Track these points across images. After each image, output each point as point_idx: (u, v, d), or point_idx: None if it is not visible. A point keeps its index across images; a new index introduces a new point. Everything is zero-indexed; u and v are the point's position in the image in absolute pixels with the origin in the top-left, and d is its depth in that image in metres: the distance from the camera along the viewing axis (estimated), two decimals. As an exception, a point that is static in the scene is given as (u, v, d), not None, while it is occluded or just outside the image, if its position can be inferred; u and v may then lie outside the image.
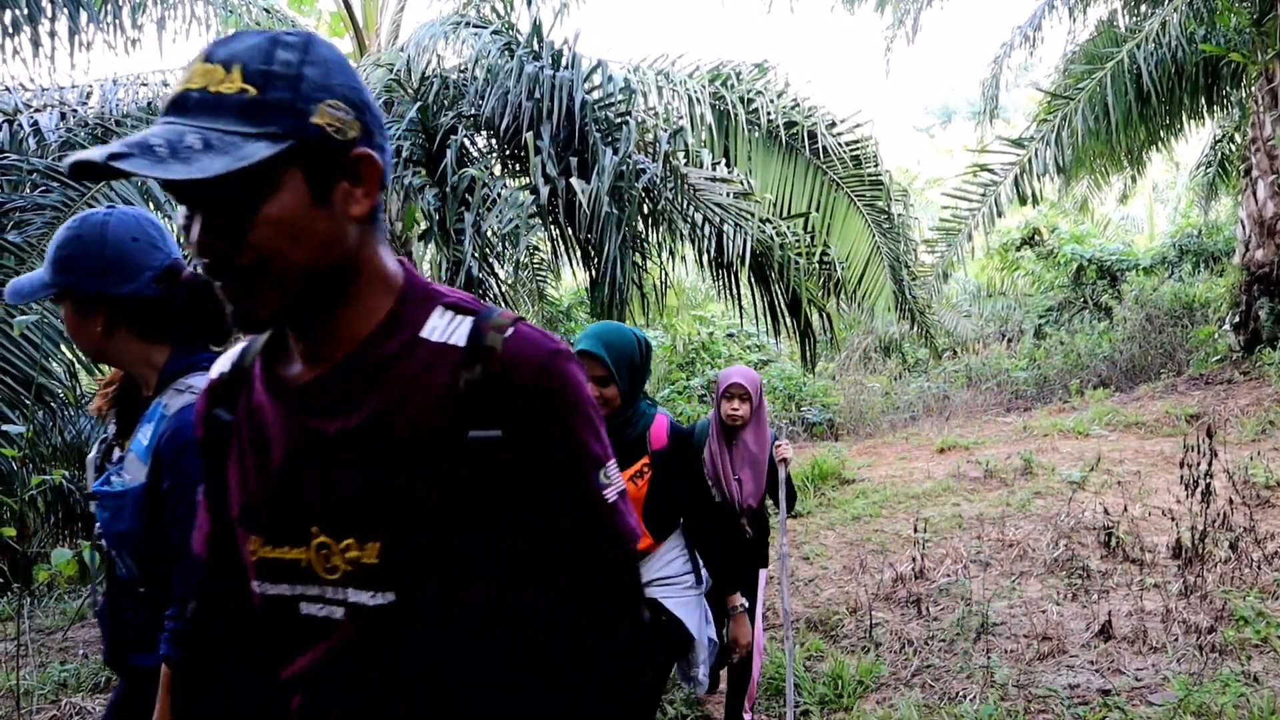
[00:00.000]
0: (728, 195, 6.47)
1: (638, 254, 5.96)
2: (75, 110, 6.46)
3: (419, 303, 1.07)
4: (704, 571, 2.94)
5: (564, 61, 5.77)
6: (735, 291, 6.93)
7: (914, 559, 5.52)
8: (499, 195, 5.22)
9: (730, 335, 15.46)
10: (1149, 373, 11.29)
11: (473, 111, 6.12)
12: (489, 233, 5.30)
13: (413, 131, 5.84)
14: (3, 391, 4.64)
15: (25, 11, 5.04)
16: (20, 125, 6.07)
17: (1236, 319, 9.85)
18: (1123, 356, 11.96)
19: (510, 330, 1.04)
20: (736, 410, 3.79)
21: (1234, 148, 13.75)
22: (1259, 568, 4.73)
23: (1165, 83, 9.52)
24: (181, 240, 1.36)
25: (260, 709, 1.20)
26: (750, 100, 7.80)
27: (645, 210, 6.24)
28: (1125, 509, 5.66)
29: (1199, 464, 4.78)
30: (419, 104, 5.97)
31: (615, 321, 3.36)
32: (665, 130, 6.21)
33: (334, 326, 1.04)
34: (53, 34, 5.30)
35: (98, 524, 1.79)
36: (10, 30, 5.07)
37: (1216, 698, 3.50)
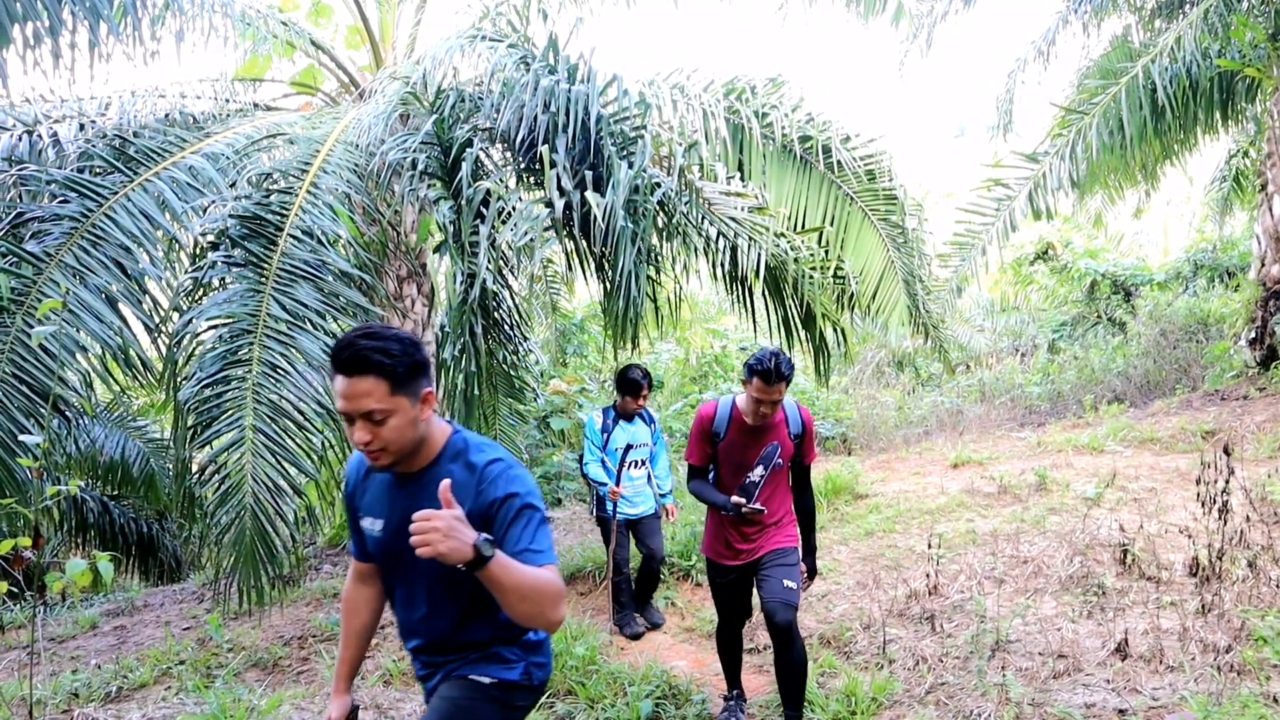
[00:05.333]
0: (742, 209, 6.47)
1: (652, 267, 5.96)
2: (94, 121, 6.53)
3: None
4: None
5: (579, 75, 5.80)
6: (749, 305, 6.94)
7: (928, 575, 5.49)
8: (514, 208, 5.24)
9: (744, 349, 15.45)
10: (1164, 388, 11.22)
11: (488, 124, 6.15)
12: (504, 245, 5.32)
13: (429, 144, 5.87)
14: (20, 401, 4.66)
15: (46, 24, 5.08)
16: (40, 136, 6.14)
17: (1252, 334, 9.78)
18: (1137, 372, 11.90)
19: None
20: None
21: (1249, 162, 13.71)
22: (1278, 586, 4.68)
23: (1180, 97, 9.48)
24: None
25: None
26: (765, 114, 7.81)
27: (660, 224, 6.24)
28: (1141, 526, 5.62)
29: (1216, 480, 4.74)
30: (435, 117, 6.00)
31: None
32: (680, 144, 6.22)
33: None
34: (73, 46, 5.32)
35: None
36: (31, 42, 5.10)
37: (1235, 718, 3.46)
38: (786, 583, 3.88)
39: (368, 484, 2.38)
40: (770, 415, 3.85)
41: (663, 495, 5.91)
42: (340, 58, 8.67)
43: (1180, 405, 9.68)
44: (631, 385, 5.65)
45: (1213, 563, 4.85)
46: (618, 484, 5.68)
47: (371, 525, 2.34)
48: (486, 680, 2.33)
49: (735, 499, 3.91)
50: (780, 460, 3.99)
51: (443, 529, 1.88)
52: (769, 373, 3.73)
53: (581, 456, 6.18)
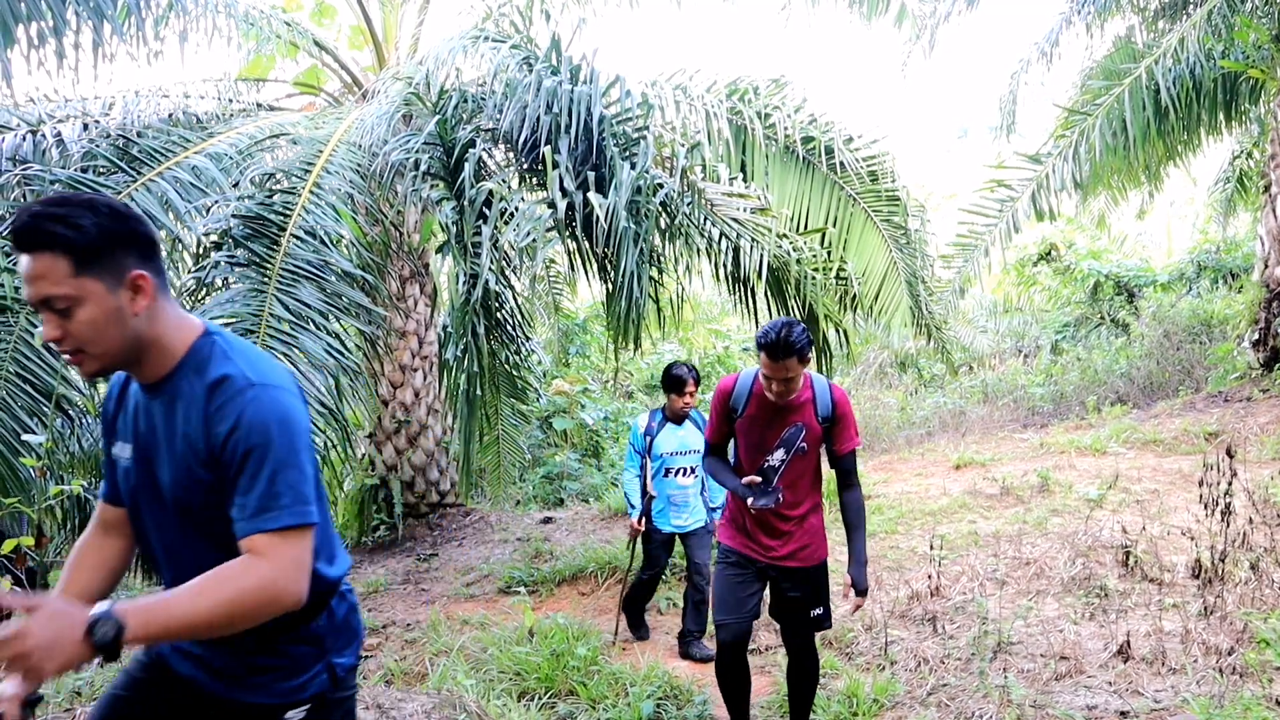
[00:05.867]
0: (745, 210, 6.48)
1: (654, 268, 5.97)
2: (98, 121, 6.54)
3: None
4: None
5: (582, 76, 5.80)
6: (752, 306, 6.94)
7: (930, 576, 5.49)
8: (516, 209, 5.24)
9: (746, 349, 15.46)
10: (1167, 390, 11.21)
11: (491, 125, 6.16)
12: (506, 246, 5.33)
13: (431, 145, 5.88)
14: (24, 401, 4.67)
15: (51, 24, 5.09)
16: (44, 136, 6.15)
17: (1256, 336, 9.76)
18: (1140, 373, 11.89)
19: None
20: None
21: (1253, 164, 13.69)
22: (1280, 589, 4.68)
23: (1184, 99, 9.47)
24: None
25: None
26: (767, 115, 7.81)
27: (662, 225, 6.25)
28: (1143, 528, 5.61)
29: (1219, 482, 4.73)
30: (438, 117, 6.00)
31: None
32: (683, 145, 6.22)
33: None
34: (77, 46, 5.35)
35: None
36: (35, 42, 5.12)
37: (1237, 721, 3.46)
38: (814, 611, 3.63)
39: (125, 400, 1.80)
40: (787, 394, 3.35)
41: (714, 509, 5.33)
42: (343, 58, 8.68)
43: (1183, 407, 9.67)
44: (675, 382, 5.18)
45: (1215, 565, 4.85)
46: (645, 500, 5.28)
47: (121, 451, 1.77)
48: (300, 716, 1.81)
49: (750, 478, 3.43)
50: (804, 445, 3.46)
51: (41, 645, 1.29)
52: (775, 345, 3.18)
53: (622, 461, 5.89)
